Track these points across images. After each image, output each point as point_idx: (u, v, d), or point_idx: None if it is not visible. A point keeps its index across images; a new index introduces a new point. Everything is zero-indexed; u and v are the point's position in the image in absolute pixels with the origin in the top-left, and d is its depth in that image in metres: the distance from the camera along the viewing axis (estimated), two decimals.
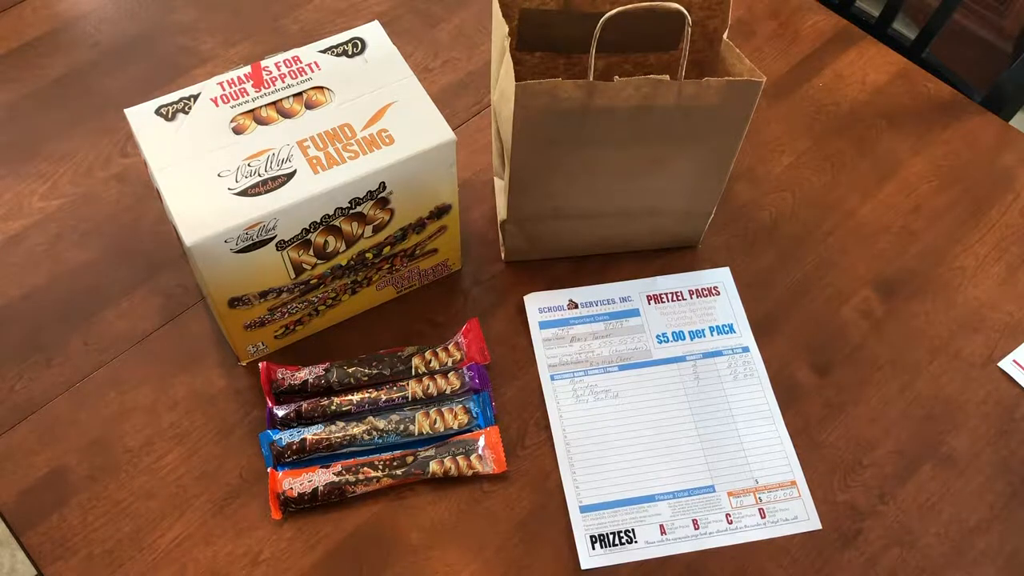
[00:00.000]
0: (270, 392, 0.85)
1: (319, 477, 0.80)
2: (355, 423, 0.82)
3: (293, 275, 0.81)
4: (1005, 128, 1.07)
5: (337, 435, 0.82)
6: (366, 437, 0.82)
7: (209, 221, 0.72)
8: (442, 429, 0.83)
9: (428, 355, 0.87)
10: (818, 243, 0.98)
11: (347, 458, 0.82)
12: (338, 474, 0.80)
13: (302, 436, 0.81)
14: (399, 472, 0.80)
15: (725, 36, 0.83)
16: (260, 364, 0.85)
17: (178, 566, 0.78)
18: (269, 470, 0.81)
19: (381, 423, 0.82)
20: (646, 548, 0.79)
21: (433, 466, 0.81)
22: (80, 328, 0.90)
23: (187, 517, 0.80)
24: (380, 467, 0.80)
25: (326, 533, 0.79)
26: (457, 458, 0.81)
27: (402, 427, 0.82)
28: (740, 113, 0.80)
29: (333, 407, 0.83)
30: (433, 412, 0.83)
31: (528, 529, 0.80)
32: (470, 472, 0.81)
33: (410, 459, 0.81)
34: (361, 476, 0.80)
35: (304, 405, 0.83)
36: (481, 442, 0.82)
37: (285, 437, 0.82)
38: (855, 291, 0.95)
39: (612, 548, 0.79)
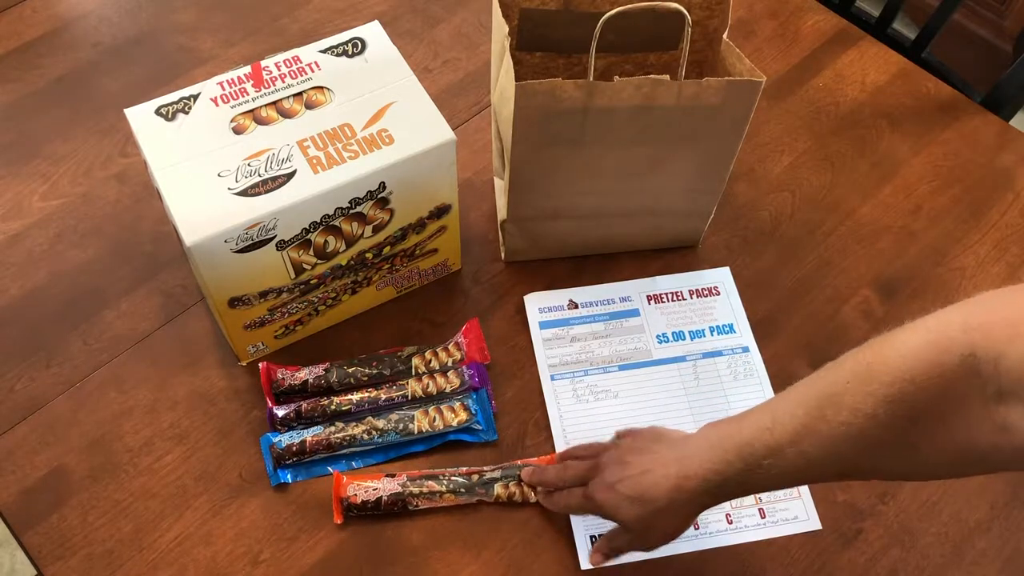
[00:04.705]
0: (270, 392, 0.85)
1: (384, 486, 0.79)
2: (354, 423, 0.82)
3: (293, 275, 0.81)
4: (1005, 128, 1.07)
5: (336, 435, 0.82)
6: (366, 437, 0.82)
7: (209, 221, 0.72)
8: (441, 427, 0.83)
9: (428, 355, 0.87)
10: (818, 243, 0.98)
11: (349, 459, 0.82)
12: (403, 485, 0.79)
13: (302, 438, 0.81)
14: (463, 491, 0.79)
15: (725, 36, 0.83)
16: (260, 364, 0.85)
17: (178, 566, 0.78)
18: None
19: (380, 423, 0.82)
20: None
21: (498, 489, 0.80)
22: (80, 328, 0.90)
23: (187, 517, 0.80)
24: (444, 482, 0.80)
25: (326, 533, 0.79)
26: (522, 483, 0.80)
27: (401, 426, 0.82)
28: (740, 113, 0.80)
29: (333, 407, 0.83)
30: (432, 410, 0.83)
31: (528, 529, 0.80)
32: (534, 499, 0.80)
33: (475, 477, 0.80)
34: (425, 490, 0.79)
35: (304, 405, 0.83)
36: None
37: (285, 439, 0.82)
38: (855, 291, 0.94)
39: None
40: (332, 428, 0.82)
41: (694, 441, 0.67)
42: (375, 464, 0.83)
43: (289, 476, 0.81)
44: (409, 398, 0.84)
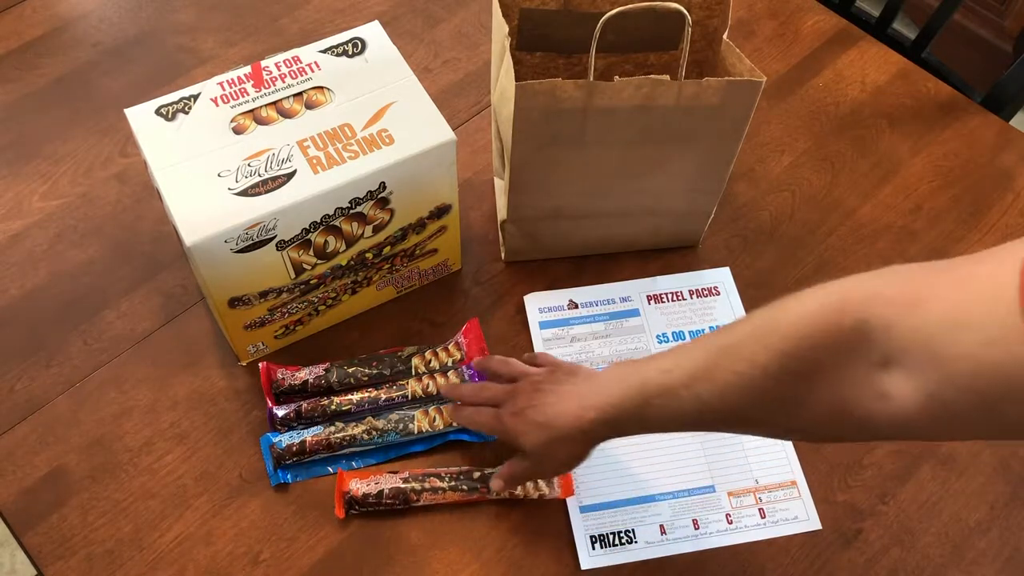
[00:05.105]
0: (270, 392, 0.85)
1: (386, 481, 0.80)
2: (354, 423, 0.82)
3: (293, 275, 0.81)
4: (1005, 128, 1.07)
5: (336, 435, 0.82)
6: (366, 437, 0.82)
7: (209, 221, 0.72)
8: (441, 427, 0.83)
9: (428, 355, 0.87)
10: (818, 243, 0.98)
11: (349, 459, 0.82)
12: (405, 480, 0.80)
13: (302, 438, 0.81)
14: (465, 487, 0.80)
15: (725, 36, 0.83)
16: (260, 365, 0.85)
17: (178, 566, 0.78)
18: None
19: (380, 423, 0.82)
20: (646, 548, 0.79)
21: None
22: (80, 328, 0.90)
23: (187, 517, 0.80)
24: (446, 478, 0.80)
25: (326, 533, 0.79)
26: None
27: (401, 426, 0.82)
28: (740, 113, 0.80)
29: (333, 407, 0.83)
30: (432, 410, 0.83)
31: (528, 529, 0.80)
32: (535, 495, 0.80)
33: (476, 474, 0.80)
34: (427, 485, 0.79)
35: (304, 405, 0.83)
36: None
37: (285, 439, 0.82)
38: None
39: (612, 548, 0.79)
40: (332, 428, 0.82)
41: (602, 376, 0.70)
42: (375, 464, 0.83)
43: (289, 476, 0.81)
44: (409, 398, 0.84)
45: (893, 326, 0.51)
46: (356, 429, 0.82)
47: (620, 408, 0.66)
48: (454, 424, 0.82)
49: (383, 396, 0.84)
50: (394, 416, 0.83)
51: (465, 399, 0.80)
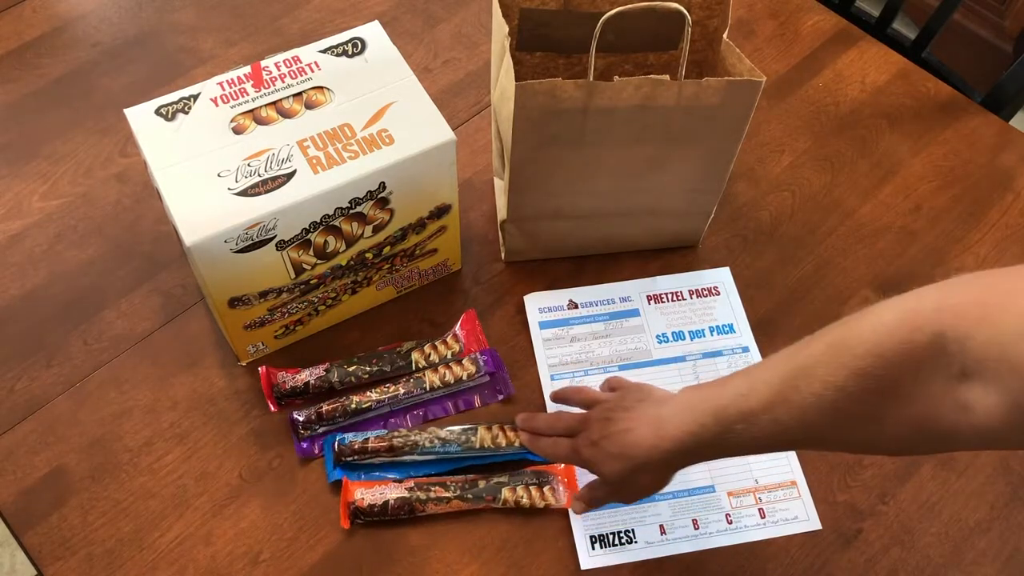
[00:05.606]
0: (271, 395, 0.84)
1: (391, 491, 0.79)
2: (417, 430, 0.82)
3: (293, 275, 0.81)
4: (1005, 128, 1.07)
5: (399, 439, 0.81)
6: (428, 444, 0.81)
7: (209, 221, 0.72)
8: (504, 445, 0.82)
9: (428, 348, 0.87)
10: (818, 243, 0.98)
11: (408, 467, 0.82)
12: (410, 490, 0.79)
13: (365, 437, 0.81)
14: (470, 496, 0.79)
15: (725, 36, 0.83)
16: (260, 369, 0.85)
17: (178, 566, 0.78)
18: (343, 479, 0.80)
19: (443, 432, 0.82)
20: (646, 548, 0.79)
21: (505, 493, 0.80)
22: (80, 328, 0.90)
23: (187, 517, 0.80)
24: (452, 488, 0.80)
25: (326, 533, 0.79)
26: (531, 488, 0.80)
27: (464, 438, 0.82)
28: (740, 113, 0.80)
29: (353, 405, 0.83)
30: (496, 427, 0.82)
31: (528, 529, 0.80)
32: (542, 504, 0.80)
33: (482, 483, 0.80)
34: (432, 495, 0.79)
35: (324, 407, 0.83)
36: (559, 481, 0.81)
37: (348, 437, 0.81)
38: (855, 291, 0.94)
39: (612, 548, 0.79)
40: (395, 433, 0.82)
41: (674, 402, 0.69)
42: (434, 475, 0.82)
43: (348, 476, 0.81)
44: (428, 388, 0.84)
45: (968, 337, 0.50)
46: (419, 436, 0.81)
47: (698, 436, 0.65)
48: (518, 444, 0.82)
49: (402, 391, 0.84)
50: (457, 428, 0.82)
51: (541, 430, 0.79)
